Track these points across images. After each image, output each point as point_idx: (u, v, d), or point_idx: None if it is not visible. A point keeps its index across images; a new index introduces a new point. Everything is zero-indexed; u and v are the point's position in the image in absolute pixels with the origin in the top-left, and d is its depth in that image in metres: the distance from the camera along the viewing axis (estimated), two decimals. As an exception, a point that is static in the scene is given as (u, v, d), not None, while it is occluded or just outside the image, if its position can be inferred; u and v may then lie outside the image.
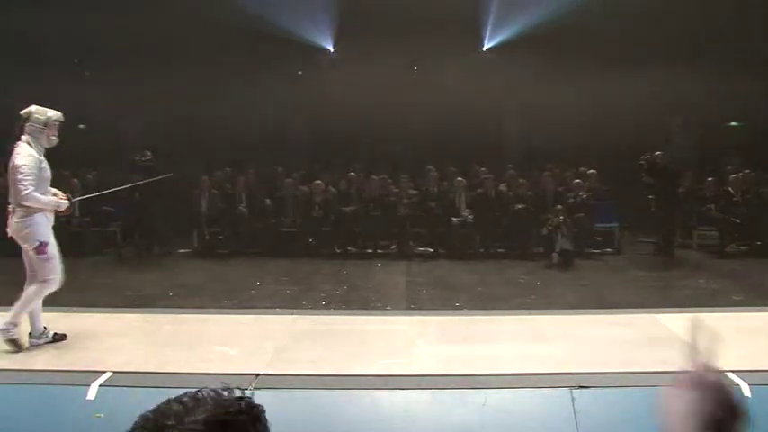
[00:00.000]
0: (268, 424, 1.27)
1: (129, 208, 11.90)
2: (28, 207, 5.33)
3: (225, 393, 1.25)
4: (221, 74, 14.32)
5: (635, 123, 13.43)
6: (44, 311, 5.66)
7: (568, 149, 13.90)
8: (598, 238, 12.12)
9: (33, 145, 5.37)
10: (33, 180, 5.30)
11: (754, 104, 13.53)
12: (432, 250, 11.98)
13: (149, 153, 11.98)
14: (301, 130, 15.67)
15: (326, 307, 8.34)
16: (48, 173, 5.47)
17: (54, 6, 12.73)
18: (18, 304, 5.43)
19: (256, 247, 11.99)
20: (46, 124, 5.42)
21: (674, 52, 13.49)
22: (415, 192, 12.50)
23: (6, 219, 5.46)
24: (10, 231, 5.43)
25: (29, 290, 5.44)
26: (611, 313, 7.02)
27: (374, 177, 12.67)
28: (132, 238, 12.27)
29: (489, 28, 14.95)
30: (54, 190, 5.59)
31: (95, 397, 4.55)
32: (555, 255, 10.94)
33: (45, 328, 5.60)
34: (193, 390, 1.25)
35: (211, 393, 1.24)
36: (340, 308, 8.24)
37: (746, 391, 4.44)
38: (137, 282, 9.73)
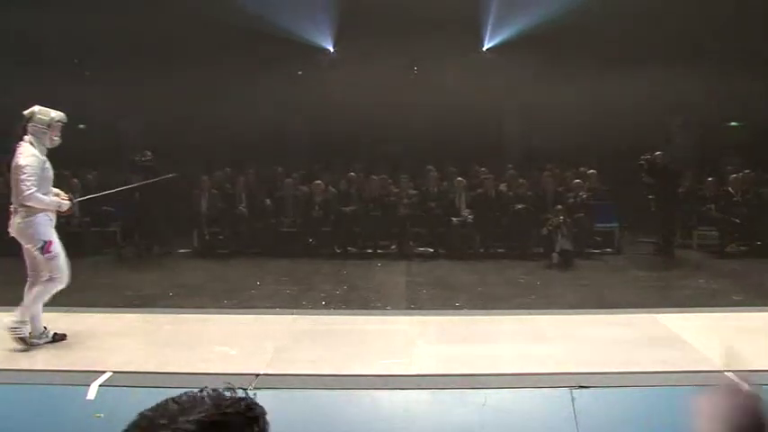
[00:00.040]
0: (267, 426, 1.27)
1: (129, 208, 11.90)
2: (30, 207, 5.33)
3: (228, 394, 1.25)
4: (221, 74, 14.32)
5: (635, 123, 13.44)
6: (44, 311, 5.65)
7: (568, 149, 13.90)
8: (598, 238, 12.12)
9: (36, 145, 5.37)
10: (36, 180, 5.30)
11: (754, 104, 13.53)
12: (432, 250, 11.98)
13: (149, 153, 11.99)
14: (301, 130, 15.68)
15: (326, 307, 8.34)
16: (50, 173, 5.48)
17: (54, 6, 12.73)
18: (26, 302, 5.44)
19: (256, 247, 12.00)
20: (49, 125, 5.42)
21: (674, 52, 13.49)
22: (415, 192, 12.50)
23: (8, 218, 5.46)
24: (12, 231, 5.43)
25: (37, 288, 5.45)
26: (611, 313, 7.01)
27: (374, 177, 12.67)
28: (132, 238, 12.27)
29: (489, 28, 14.95)
30: (56, 190, 5.59)
31: (95, 397, 4.55)
32: (555, 255, 10.94)
33: (45, 328, 5.59)
34: (196, 390, 1.25)
35: (213, 394, 1.24)
36: (340, 308, 8.25)
37: (746, 391, 4.44)
38: (137, 282, 9.73)
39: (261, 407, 1.27)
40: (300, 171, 13.53)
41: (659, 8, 13.03)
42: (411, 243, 12.02)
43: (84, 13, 12.58)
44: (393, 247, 12.10)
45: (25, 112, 5.42)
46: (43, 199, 5.36)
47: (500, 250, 11.88)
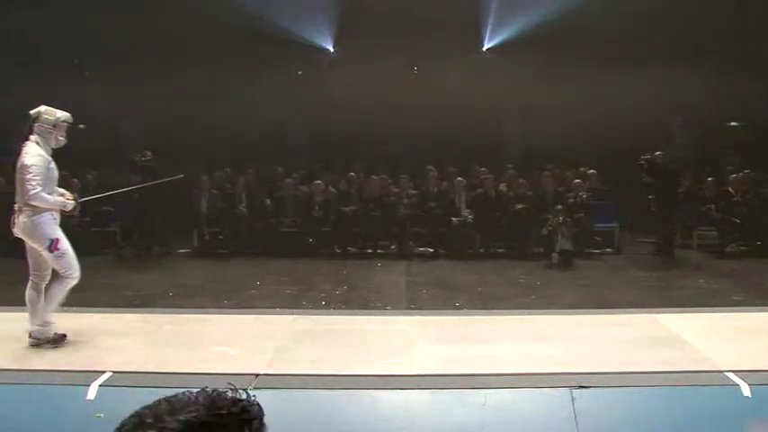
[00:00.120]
0: (264, 429, 1.26)
1: (128, 208, 11.89)
2: (35, 206, 5.35)
3: (227, 394, 1.24)
4: (221, 74, 14.32)
5: (635, 123, 13.43)
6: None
7: (568, 149, 13.90)
8: (598, 238, 12.12)
9: (42, 145, 5.39)
10: (41, 180, 5.32)
11: (754, 104, 13.53)
12: (432, 250, 11.97)
13: (149, 153, 11.99)
14: (301, 130, 15.67)
15: (326, 307, 8.34)
16: (55, 173, 5.50)
17: (54, 6, 12.73)
18: (44, 304, 5.47)
19: (256, 247, 11.99)
20: (55, 125, 5.45)
21: (674, 52, 13.49)
22: (415, 192, 12.49)
23: (11, 218, 5.47)
24: (17, 231, 5.44)
25: (52, 288, 5.49)
26: (611, 313, 7.02)
27: (374, 177, 12.67)
28: (132, 238, 12.27)
29: (489, 28, 14.95)
30: (61, 190, 5.61)
31: (95, 397, 4.55)
32: (555, 255, 10.94)
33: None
34: (195, 389, 1.25)
35: (212, 394, 1.24)
36: (340, 308, 8.25)
37: (746, 391, 4.45)
38: (137, 282, 9.73)
39: (258, 409, 1.26)
40: (300, 171, 13.52)
41: (659, 8, 13.03)
42: (411, 243, 12.01)
43: (84, 13, 12.58)
44: (393, 247, 12.10)
45: (31, 112, 5.45)
46: (48, 199, 5.38)
47: (500, 250, 11.87)
